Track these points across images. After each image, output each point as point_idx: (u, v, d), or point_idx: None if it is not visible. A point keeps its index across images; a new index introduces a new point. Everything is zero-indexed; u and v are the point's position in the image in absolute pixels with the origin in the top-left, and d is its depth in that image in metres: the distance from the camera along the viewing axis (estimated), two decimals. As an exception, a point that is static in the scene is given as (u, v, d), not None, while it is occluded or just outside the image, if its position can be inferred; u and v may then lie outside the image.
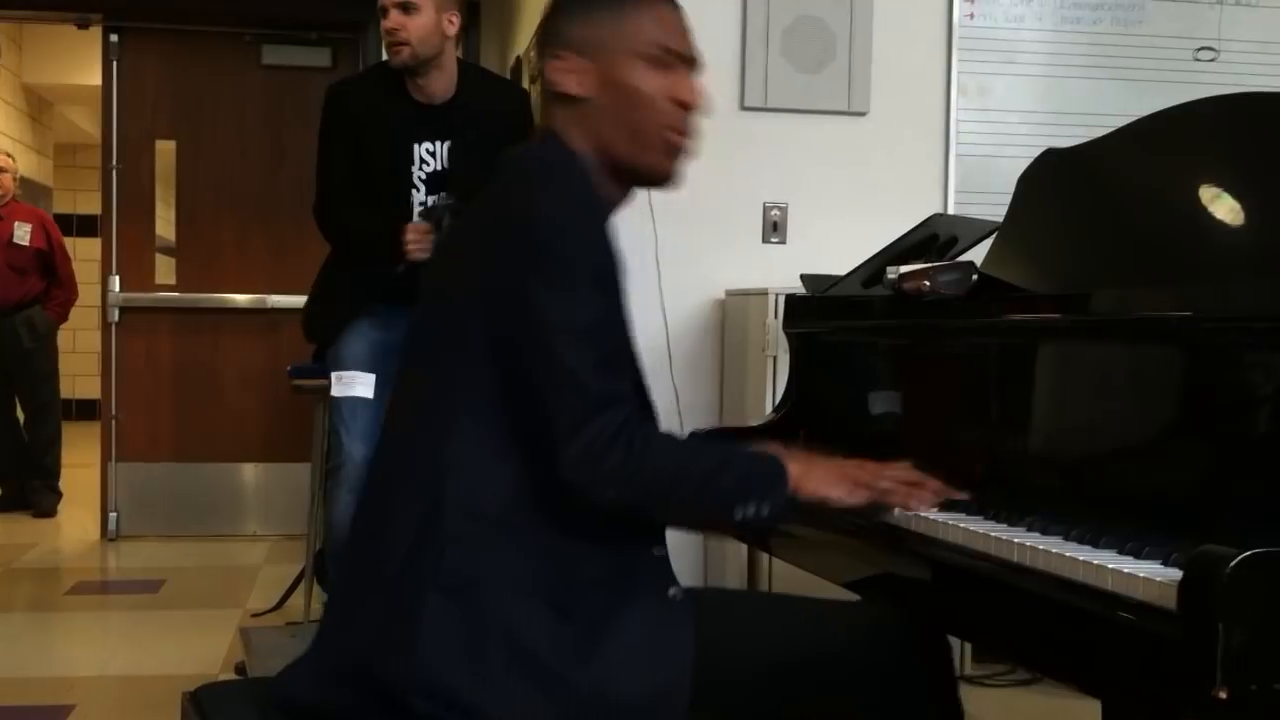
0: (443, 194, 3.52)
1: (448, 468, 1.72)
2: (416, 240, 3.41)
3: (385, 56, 3.64)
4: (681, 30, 1.88)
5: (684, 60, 1.86)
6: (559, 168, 1.80)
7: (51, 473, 7.28)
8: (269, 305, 6.51)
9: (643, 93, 1.82)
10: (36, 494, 7.19)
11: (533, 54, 1.97)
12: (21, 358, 7.10)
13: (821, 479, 1.81)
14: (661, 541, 1.81)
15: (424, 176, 3.58)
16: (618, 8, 1.85)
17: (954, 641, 1.92)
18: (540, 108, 2.15)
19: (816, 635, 1.84)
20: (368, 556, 1.81)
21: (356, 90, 3.73)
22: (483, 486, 1.71)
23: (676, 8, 1.90)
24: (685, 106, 1.85)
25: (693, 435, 2.60)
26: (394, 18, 3.50)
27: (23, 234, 7.12)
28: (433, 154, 3.58)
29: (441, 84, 3.60)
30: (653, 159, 1.85)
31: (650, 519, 1.80)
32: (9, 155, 7.44)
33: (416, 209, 3.57)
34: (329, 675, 1.76)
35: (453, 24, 3.57)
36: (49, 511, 7.12)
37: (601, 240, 1.72)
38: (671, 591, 1.77)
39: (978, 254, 2.34)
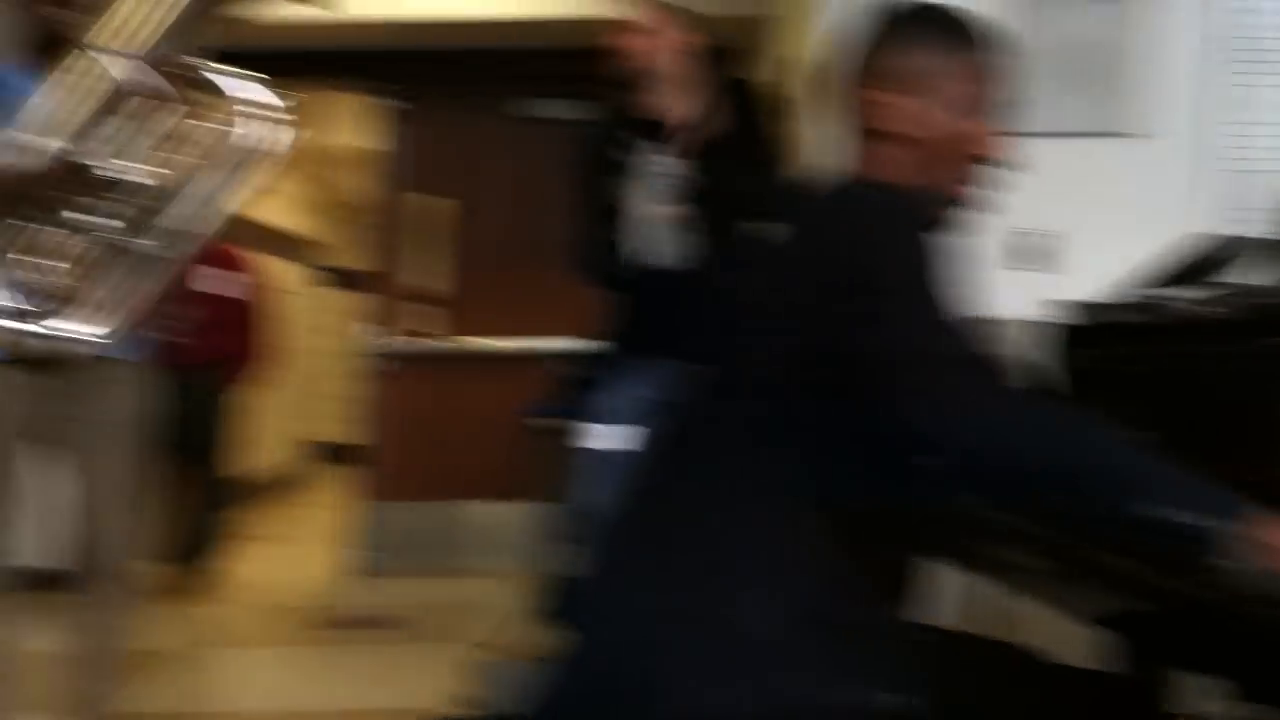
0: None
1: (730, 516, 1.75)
2: None
3: None
4: (994, 80, 1.81)
5: (987, 111, 1.80)
6: (900, 214, 1.69)
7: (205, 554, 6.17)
8: (528, 350, 6.60)
9: (951, 140, 1.77)
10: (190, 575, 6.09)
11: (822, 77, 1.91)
12: (192, 427, 5.76)
13: None
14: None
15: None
16: (947, 50, 1.79)
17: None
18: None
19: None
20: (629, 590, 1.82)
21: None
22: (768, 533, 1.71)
23: (992, 54, 1.83)
24: (979, 159, 1.78)
25: None
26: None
27: (222, 282, 6.11)
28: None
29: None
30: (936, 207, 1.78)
31: (1006, 491, 1.64)
32: None
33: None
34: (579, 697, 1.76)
35: None
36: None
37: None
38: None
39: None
